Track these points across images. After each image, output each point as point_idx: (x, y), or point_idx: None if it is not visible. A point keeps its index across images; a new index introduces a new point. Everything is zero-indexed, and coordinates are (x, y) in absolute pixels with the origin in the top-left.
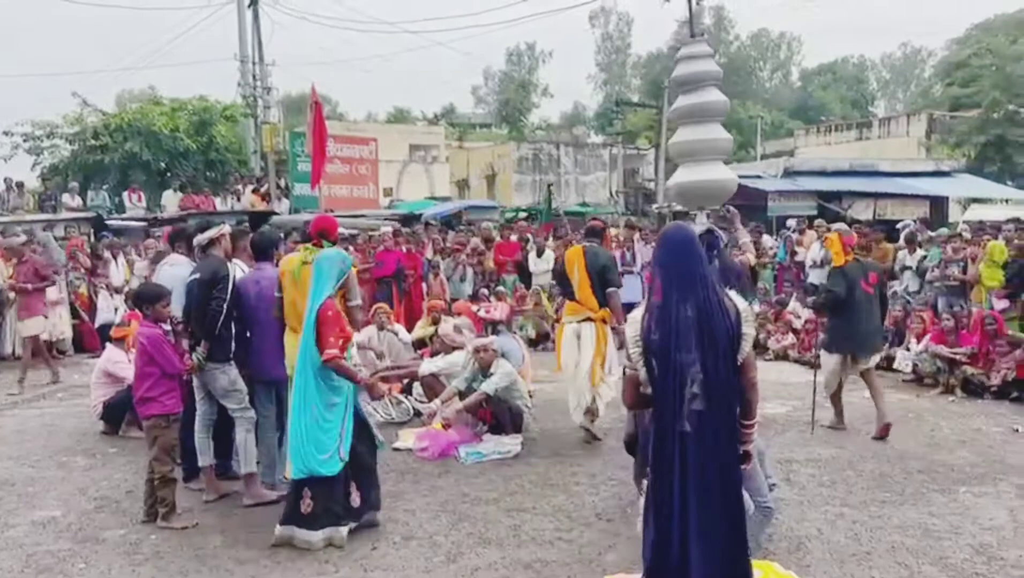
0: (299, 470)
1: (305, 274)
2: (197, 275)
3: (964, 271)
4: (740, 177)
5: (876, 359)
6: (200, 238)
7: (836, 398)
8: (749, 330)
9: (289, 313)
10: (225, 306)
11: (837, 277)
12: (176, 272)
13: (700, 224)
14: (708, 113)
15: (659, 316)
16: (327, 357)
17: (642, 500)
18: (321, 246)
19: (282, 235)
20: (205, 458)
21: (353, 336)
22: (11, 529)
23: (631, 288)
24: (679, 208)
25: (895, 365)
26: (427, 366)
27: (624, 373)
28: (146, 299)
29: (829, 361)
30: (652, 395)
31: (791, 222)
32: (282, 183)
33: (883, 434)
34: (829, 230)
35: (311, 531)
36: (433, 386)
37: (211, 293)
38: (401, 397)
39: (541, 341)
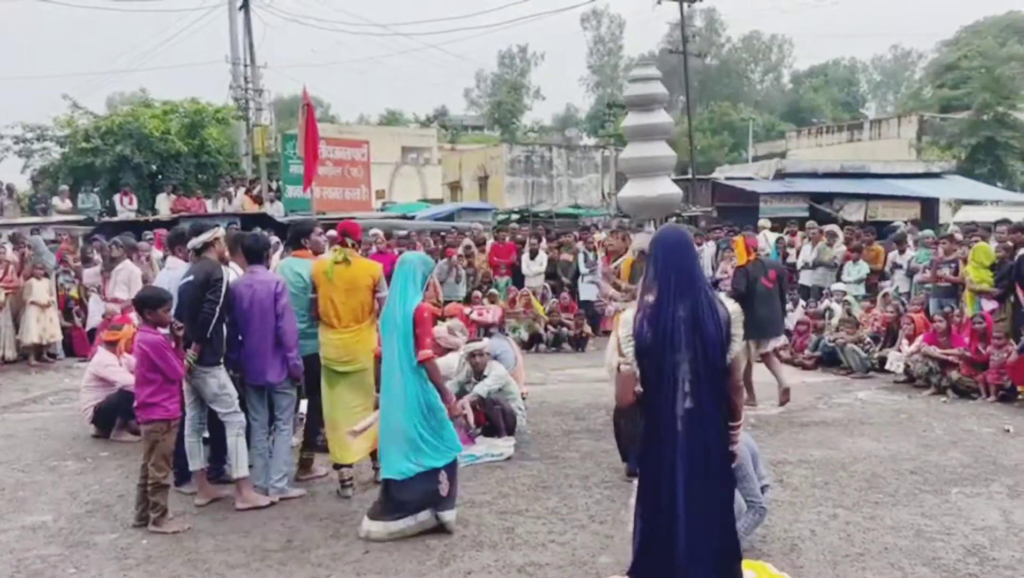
0: (435, 460)
1: (340, 272)
2: (190, 277)
3: (956, 272)
4: (732, 179)
5: (774, 344)
6: (195, 241)
7: (746, 377)
8: (738, 332)
9: (326, 310)
10: (218, 309)
11: (740, 275)
12: (175, 276)
13: (648, 233)
14: (655, 132)
15: (653, 316)
16: (422, 357)
17: (632, 499)
18: (346, 245)
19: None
20: (196, 462)
21: None
22: (1, 534)
23: None
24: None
25: (887, 366)
26: None
27: (619, 370)
28: (148, 304)
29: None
30: (643, 394)
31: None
32: (274, 185)
33: (785, 400)
34: (823, 232)
35: (448, 511)
36: None
37: (204, 295)
38: None
39: (534, 343)
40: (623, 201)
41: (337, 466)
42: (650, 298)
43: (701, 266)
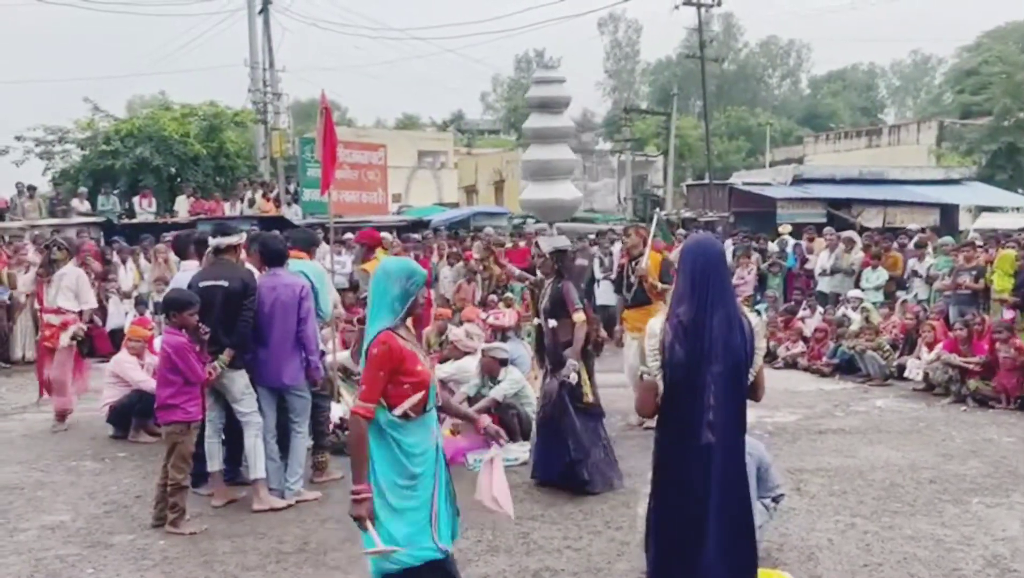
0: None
1: None
2: (223, 282)
3: (976, 280)
4: (749, 184)
5: None
6: (219, 241)
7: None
8: (761, 344)
9: None
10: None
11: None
12: (188, 278)
13: (550, 236)
14: (556, 136)
15: (685, 326)
16: (353, 409)
17: (641, 508)
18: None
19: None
20: (215, 463)
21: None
22: (20, 533)
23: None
24: (688, 215)
25: (906, 374)
26: (437, 372)
27: (641, 380)
28: (174, 306)
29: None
30: (667, 404)
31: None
32: (291, 188)
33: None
34: (839, 238)
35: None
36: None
37: (243, 303)
38: None
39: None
40: (524, 203)
41: None
42: (682, 308)
43: (731, 276)
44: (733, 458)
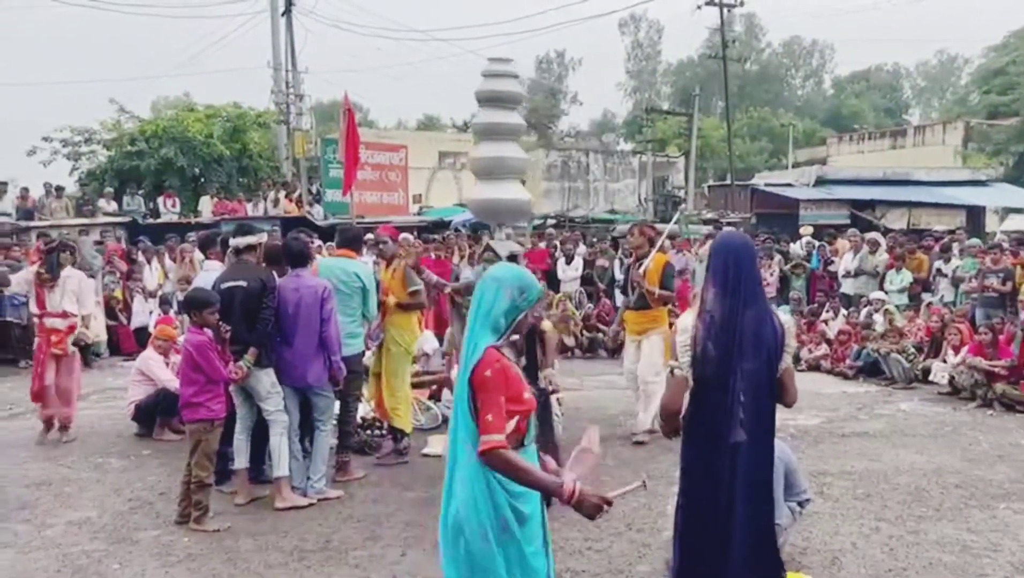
0: None
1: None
2: (242, 283)
3: (1004, 282)
4: (771, 185)
5: None
6: (239, 241)
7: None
8: (792, 343)
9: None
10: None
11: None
12: (212, 278)
13: (500, 240)
14: (505, 132)
15: (717, 323)
16: (484, 447)
17: (670, 507)
18: None
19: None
20: (241, 460)
21: None
22: (48, 529)
23: None
24: (709, 215)
25: (931, 377)
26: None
27: (672, 374)
28: (194, 305)
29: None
30: (695, 402)
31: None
32: (313, 189)
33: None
34: (863, 240)
35: None
36: None
37: (262, 302)
38: (430, 403)
39: (565, 350)
40: (470, 203)
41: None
42: (713, 305)
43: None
44: (761, 458)
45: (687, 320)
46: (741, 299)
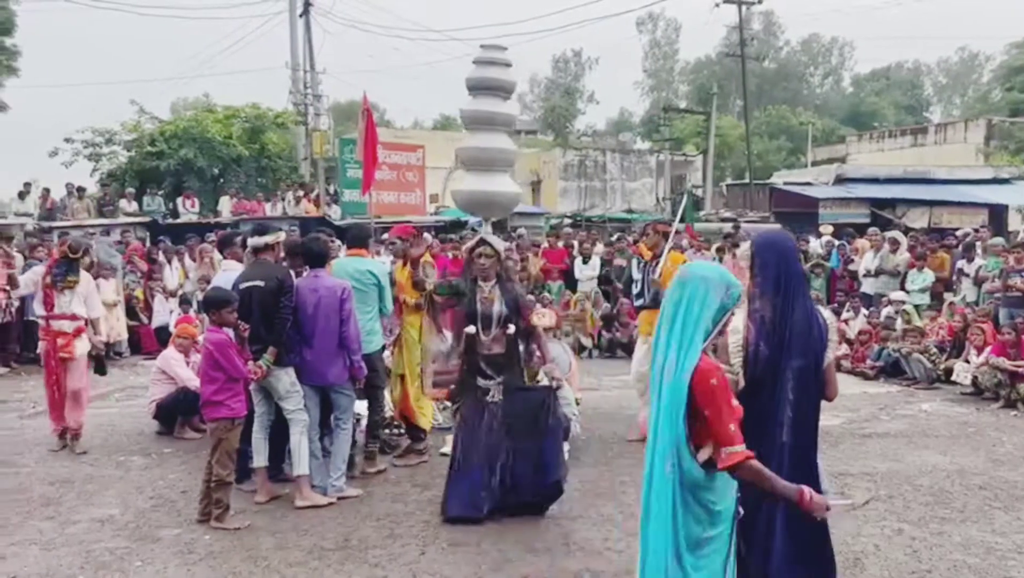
0: None
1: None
2: (259, 282)
3: None
4: (790, 184)
5: None
6: (256, 241)
7: None
8: (834, 338)
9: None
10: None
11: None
12: (231, 278)
13: (487, 233)
14: (496, 122)
15: (768, 324)
16: (727, 462)
17: None
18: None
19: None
20: (260, 458)
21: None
22: (72, 526)
23: None
24: (727, 214)
25: (954, 377)
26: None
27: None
28: (213, 304)
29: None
30: (745, 403)
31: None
32: (331, 189)
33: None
34: (883, 239)
35: None
36: None
37: (279, 301)
38: (448, 403)
39: (582, 349)
40: (457, 195)
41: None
42: (762, 304)
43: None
44: (806, 455)
45: (738, 321)
46: (789, 297)
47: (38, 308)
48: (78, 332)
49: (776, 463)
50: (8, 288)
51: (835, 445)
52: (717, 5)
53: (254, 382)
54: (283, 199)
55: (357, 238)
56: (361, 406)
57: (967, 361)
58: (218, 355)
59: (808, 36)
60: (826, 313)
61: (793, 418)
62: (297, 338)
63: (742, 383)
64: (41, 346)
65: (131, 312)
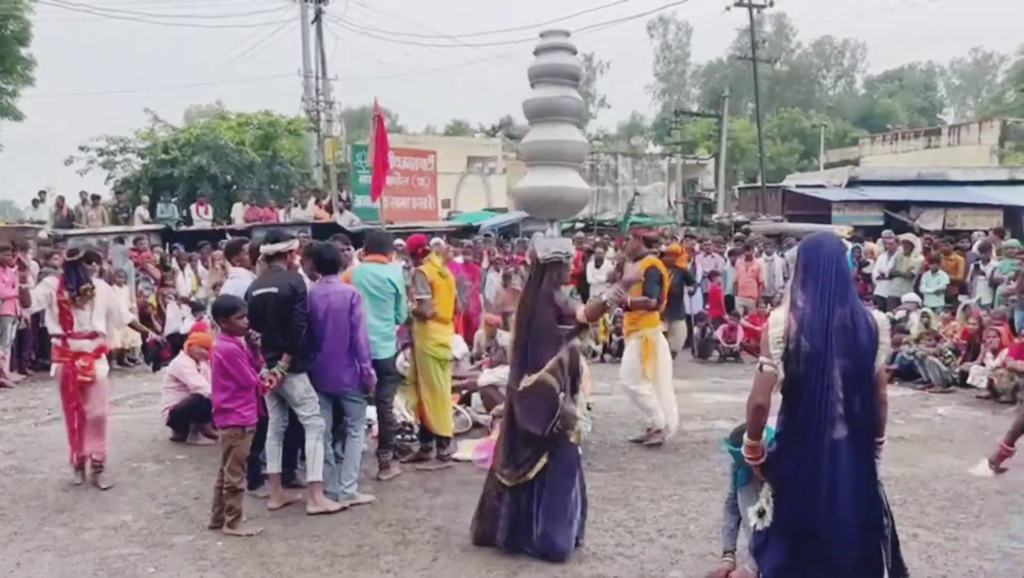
0: None
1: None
2: (273, 289)
3: None
4: (802, 187)
5: None
6: (268, 248)
7: None
8: (886, 340)
9: (444, 308)
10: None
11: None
12: (239, 284)
13: (551, 237)
14: (564, 112)
15: (811, 320)
16: None
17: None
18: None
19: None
20: (273, 465)
21: None
22: (85, 532)
23: (693, 300)
24: (740, 218)
25: (969, 380)
26: (486, 377)
27: (760, 370)
28: (221, 311)
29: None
30: (790, 398)
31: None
32: (343, 195)
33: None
34: (897, 241)
35: None
36: (492, 397)
37: (292, 308)
38: (460, 408)
39: (595, 353)
40: (518, 194)
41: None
42: (805, 301)
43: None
44: (863, 454)
45: (779, 315)
46: (835, 296)
47: (53, 326)
48: (99, 351)
49: (829, 461)
50: (19, 298)
51: None
52: (728, 8)
53: (267, 392)
54: (296, 204)
55: (376, 244)
56: (372, 412)
57: (983, 364)
58: (227, 364)
59: (820, 38)
60: (879, 316)
61: (843, 415)
62: (309, 345)
63: (781, 375)
64: (56, 369)
65: (145, 319)
